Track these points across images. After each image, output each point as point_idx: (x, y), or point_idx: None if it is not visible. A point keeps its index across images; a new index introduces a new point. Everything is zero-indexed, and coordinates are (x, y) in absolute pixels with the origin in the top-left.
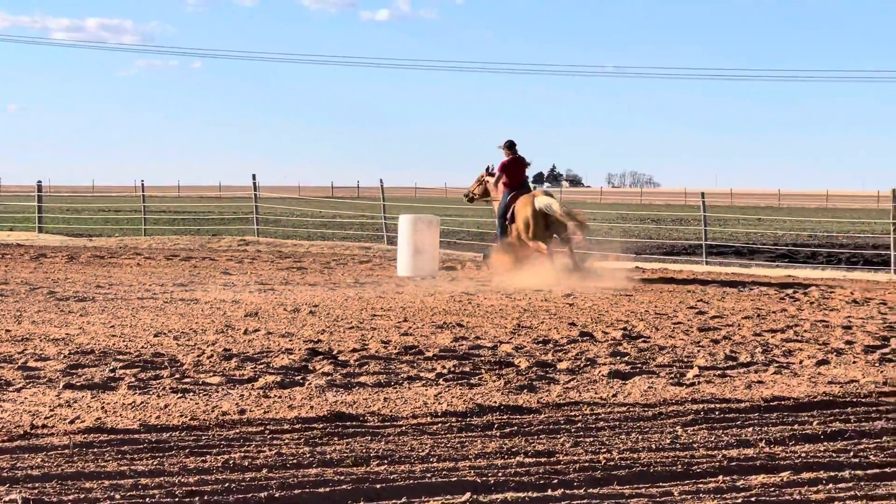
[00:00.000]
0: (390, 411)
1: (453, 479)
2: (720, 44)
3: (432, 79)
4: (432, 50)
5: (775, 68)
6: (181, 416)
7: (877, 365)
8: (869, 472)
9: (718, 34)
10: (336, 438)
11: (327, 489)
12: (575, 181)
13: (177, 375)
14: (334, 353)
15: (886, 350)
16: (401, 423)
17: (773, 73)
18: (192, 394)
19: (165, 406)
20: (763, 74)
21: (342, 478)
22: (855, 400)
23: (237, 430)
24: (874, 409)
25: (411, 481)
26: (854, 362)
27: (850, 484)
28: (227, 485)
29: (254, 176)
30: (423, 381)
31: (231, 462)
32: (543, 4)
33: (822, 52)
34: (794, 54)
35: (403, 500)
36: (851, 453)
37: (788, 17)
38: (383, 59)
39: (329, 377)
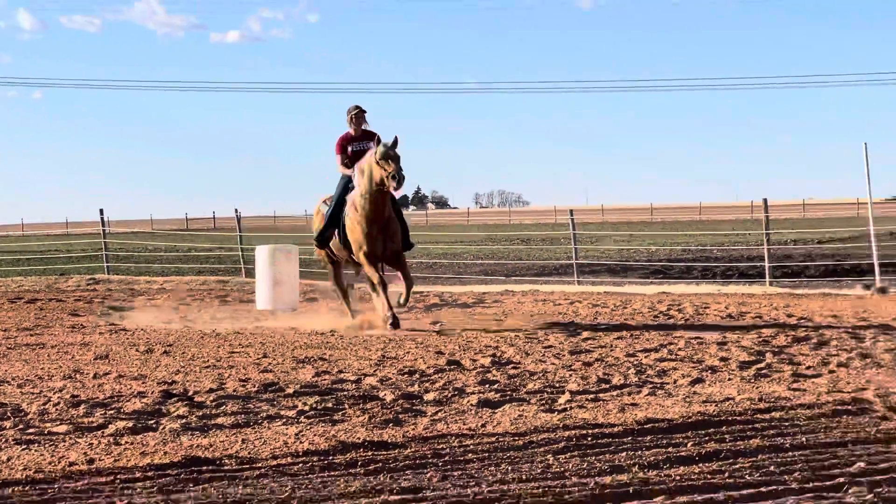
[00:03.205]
0: (249, 453)
1: None
2: (580, 54)
3: (287, 102)
4: (286, 72)
5: (638, 78)
6: (25, 468)
7: (752, 381)
8: (744, 492)
9: (572, 43)
10: (192, 484)
11: None
12: (441, 203)
13: (20, 426)
14: (190, 394)
15: (762, 365)
16: (260, 465)
17: (635, 82)
18: (37, 444)
19: (8, 459)
20: (625, 84)
21: None
22: (730, 418)
23: (86, 482)
24: (750, 426)
25: None
26: (729, 379)
27: None
28: None
29: (101, 211)
30: (284, 420)
31: None
32: (401, 24)
33: (690, 58)
34: (657, 61)
35: None
36: (727, 474)
37: (640, 24)
38: (237, 82)
39: (184, 420)
